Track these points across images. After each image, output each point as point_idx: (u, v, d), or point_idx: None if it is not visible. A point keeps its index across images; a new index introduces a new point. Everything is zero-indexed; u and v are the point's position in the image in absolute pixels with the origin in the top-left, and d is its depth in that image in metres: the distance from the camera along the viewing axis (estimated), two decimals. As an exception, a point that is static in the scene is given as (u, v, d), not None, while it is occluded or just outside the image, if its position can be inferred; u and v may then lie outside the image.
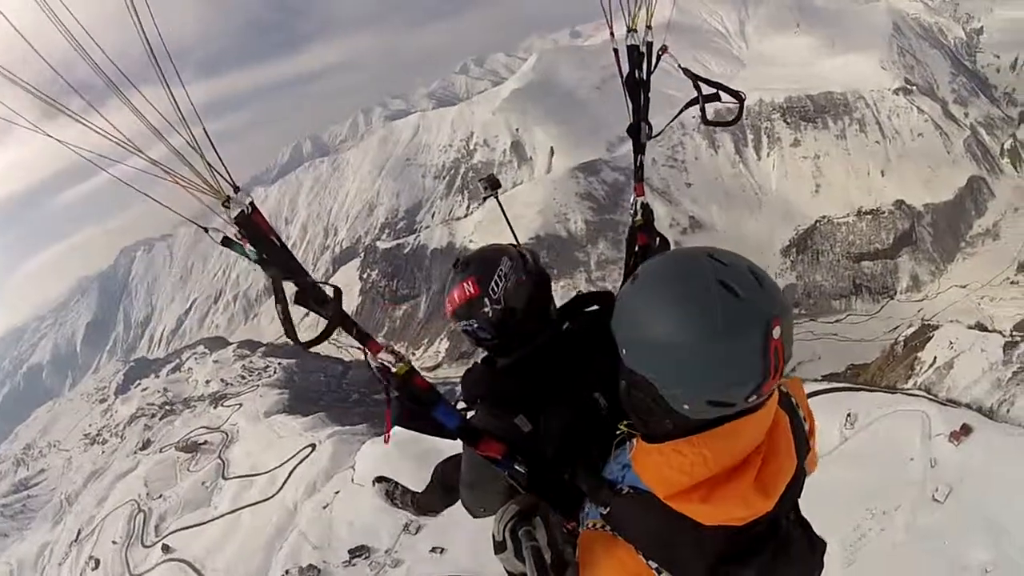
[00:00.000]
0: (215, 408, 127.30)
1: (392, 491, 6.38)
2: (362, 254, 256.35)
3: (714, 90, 4.82)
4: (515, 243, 4.29)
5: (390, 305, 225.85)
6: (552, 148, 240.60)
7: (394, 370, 3.37)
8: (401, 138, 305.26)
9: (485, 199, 5.51)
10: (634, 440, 2.87)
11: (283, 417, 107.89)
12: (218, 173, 2.99)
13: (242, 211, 3.08)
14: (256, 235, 3.15)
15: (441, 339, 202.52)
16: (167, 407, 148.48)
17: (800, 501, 2.91)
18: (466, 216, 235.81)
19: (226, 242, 3.12)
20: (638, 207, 4.78)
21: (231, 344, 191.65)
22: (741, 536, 2.60)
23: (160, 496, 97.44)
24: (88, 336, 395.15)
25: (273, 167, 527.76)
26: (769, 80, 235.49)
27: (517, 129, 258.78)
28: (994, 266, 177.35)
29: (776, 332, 2.30)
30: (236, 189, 3.07)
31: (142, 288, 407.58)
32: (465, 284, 3.82)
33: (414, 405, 3.44)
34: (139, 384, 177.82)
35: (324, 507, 73.12)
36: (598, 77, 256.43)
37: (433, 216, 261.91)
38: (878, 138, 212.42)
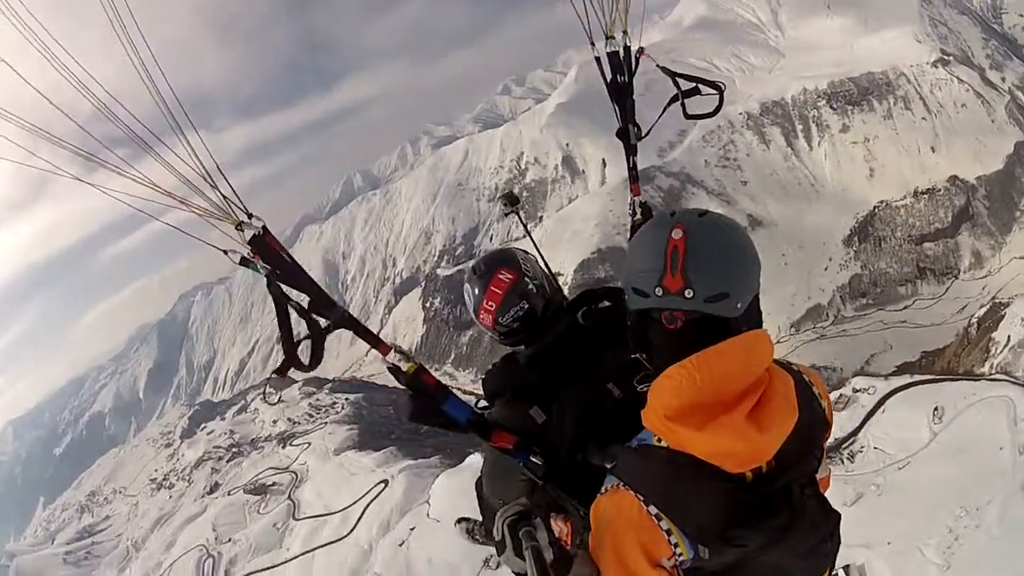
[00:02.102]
0: (283, 448, 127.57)
1: (472, 529, 6.39)
2: (423, 283, 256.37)
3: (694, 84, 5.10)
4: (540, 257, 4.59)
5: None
6: (604, 160, 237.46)
7: (404, 368, 3.57)
8: (451, 164, 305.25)
9: (507, 215, 5.80)
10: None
11: (353, 454, 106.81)
12: (232, 203, 3.28)
13: (255, 234, 3.32)
14: (267, 255, 3.37)
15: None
16: (234, 449, 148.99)
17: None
18: (524, 236, 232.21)
19: (243, 262, 3.34)
20: (636, 206, 5.24)
21: (297, 382, 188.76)
22: (751, 495, 2.69)
23: (229, 540, 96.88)
24: (150, 382, 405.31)
25: (325, 203, 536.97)
26: (809, 67, 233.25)
27: (567, 144, 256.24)
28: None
29: (676, 233, 2.66)
30: (249, 216, 3.32)
31: (203, 332, 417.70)
32: (500, 276, 4.04)
33: (425, 401, 3.61)
34: (204, 427, 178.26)
35: (400, 544, 71.52)
36: (641, 82, 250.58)
37: (491, 239, 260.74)
38: (924, 114, 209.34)
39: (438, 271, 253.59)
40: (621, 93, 5.10)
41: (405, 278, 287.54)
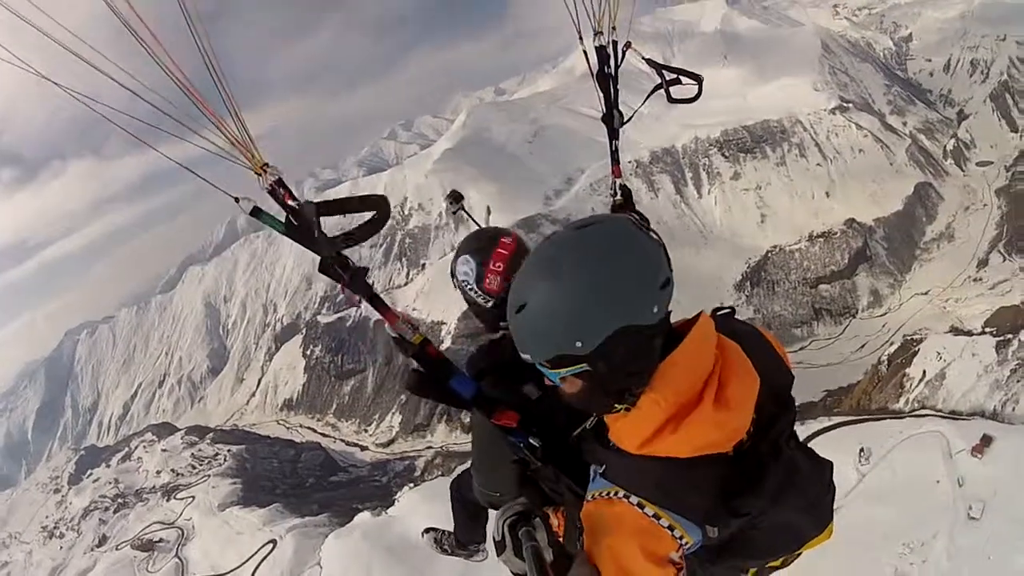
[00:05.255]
0: (168, 501, 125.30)
1: (440, 539, 6.36)
2: (304, 330, 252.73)
3: (675, 75, 5.92)
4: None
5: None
6: (488, 207, 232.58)
7: (410, 339, 3.65)
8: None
9: (454, 212, 6.09)
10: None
11: (238, 510, 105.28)
12: (247, 148, 3.29)
13: (278, 178, 3.39)
14: (285, 202, 3.44)
15: (393, 413, 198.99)
16: (120, 500, 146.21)
17: (834, 544, 3.25)
18: (406, 284, 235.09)
19: (255, 212, 3.33)
20: (616, 187, 5.47)
21: (179, 430, 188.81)
22: (742, 463, 2.77)
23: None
24: (39, 422, 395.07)
25: (209, 245, 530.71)
26: (702, 115, 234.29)
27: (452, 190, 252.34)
28: (954, 267, 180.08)
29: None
30: (266, 165, 3.35)
31: (87, 372, 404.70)
32: (503, 240, 4.46)
33: (429, 374, 3.63)
34: (91, 474, 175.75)
35: (294, 609, 69.12)
36: (529, 130, 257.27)
37: (372, 286, 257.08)
38: (819, 160, 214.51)
39: (319, 318, 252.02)
40: (607, 82, 5.43)
41: (286, 324, 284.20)
